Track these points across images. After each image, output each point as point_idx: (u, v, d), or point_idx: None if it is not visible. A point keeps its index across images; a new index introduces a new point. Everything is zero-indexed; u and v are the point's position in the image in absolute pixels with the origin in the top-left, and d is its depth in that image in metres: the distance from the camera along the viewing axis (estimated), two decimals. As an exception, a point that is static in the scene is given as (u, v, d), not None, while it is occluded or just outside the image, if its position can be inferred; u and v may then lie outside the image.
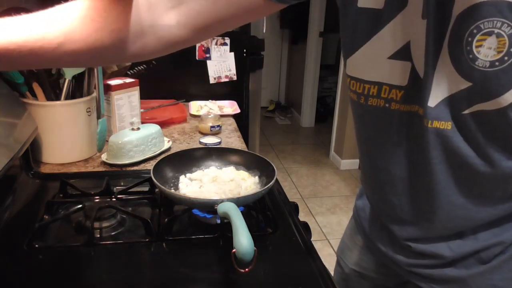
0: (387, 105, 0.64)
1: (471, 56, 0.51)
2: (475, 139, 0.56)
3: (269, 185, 0.82)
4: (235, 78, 1.72)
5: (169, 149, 1.19)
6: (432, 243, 0.69)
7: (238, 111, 1.61)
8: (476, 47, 0.50)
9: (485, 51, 0.50)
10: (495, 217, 0.64)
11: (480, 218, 0.64)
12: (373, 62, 0.63)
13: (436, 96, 0.56)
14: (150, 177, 0.85)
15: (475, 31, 0.50)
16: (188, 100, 1.65)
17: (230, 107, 1.64)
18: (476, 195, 0.62)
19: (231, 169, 0.95)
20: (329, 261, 0.98)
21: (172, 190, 0.87)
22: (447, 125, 0.57)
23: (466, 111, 0.55)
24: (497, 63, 0.49)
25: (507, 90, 0.50)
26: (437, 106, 0.56)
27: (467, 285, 0.69)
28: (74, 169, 1.07)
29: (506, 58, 0.49)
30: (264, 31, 1.74)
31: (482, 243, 0.66)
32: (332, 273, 0.70)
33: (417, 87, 0.59)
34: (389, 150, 0.67)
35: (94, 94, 1.11)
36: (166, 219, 0.79)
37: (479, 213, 0.63)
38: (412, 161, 0.64)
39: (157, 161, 0.92)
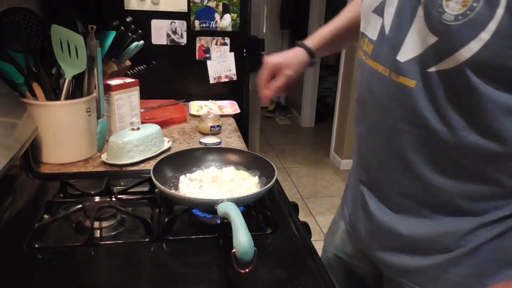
0: (364, 57, 0.69)
1: (440, 9, 0.53)
2: (436, 101, 0.57)
3: (269, 185, 0.82)
4: (235, 78, 1.72)
5: (169, 149, 1.19)
6: (393, 215, 0.71)
7: (238, 111, 1.61)
8: (446, 0, 0.52)
9: (453, 5, 0.51)
10: (454, 202, 0.64)
11: (439, 195, 0.64)
12: (365, 15, 0.69)
13: (407, 52, 0.58)
14: (150, 177, 0.85)
15: None
16: (188, 100, 1.65)
17: (230, 107, 1.64)
18: (437, 164, 0.63)
19: (231, 169, 0.95)
20: (329, 261, 0.99)
21: (172, 190, 0.87)
22: (411, 82, 0.59)
23: (431, 69, 0.56)
24: (460, 17, 0.51)
25: (463, 46, 0.51)
26: (407, 63, 0.58)
27: (427, 277, 0.70)
28: (74, 169, 1.07)
29: (468, 12, 0.50)
30: (264, 31, 1.74)
31: (439, 228, 0.67)
32: (332, 273, 0.70)
33: (382, 44, 0.63)
34: (362, 105, 0.72)
35: (94, 94, 1.11)
36: (166, 219, 0.79)
37: (438, 189, 0.64)
38: (375, 120, 0.68)
39: (157, 161, 0.92)
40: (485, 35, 0.50)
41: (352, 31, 0.88)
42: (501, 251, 0.65)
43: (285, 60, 0.89)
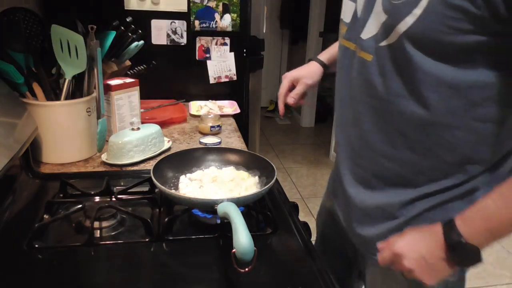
0: (341, 40, 0.79)
1: None
2: (384, 72, 0.66)
3: (269, 185, 0.82)
4: (235, 78, 1.72)
5: (169, 149, 1.19)
6: (353, 185, 0.80)
7: (238, 111, 1.61)
8: None
9: None
10: (399, 173, 0.72)
11: (386, 166, 0.72)
12: (344, 3, 0.78)
13: (368, 30, 0.68)
14: (150, 177, 0.85)
15: None
16: (188, 100, 1.65)
17: (230, 107, 1.64)
18: (385, 134, 0.71)
19: (231, 169, 0.95)
20: (329, 261, 0.99)
21: (172, 190, 0.87)
22: (369, 57, 0.68)
23: (381, 44, 0.66)
24: None
25: (401, 20, 0.61)
26: (368, 40, 0.68)
27: (375, 246, 0.75)
28: (74, 169, 1.07)
29: None
30: (264, 31, 1.74)
31: (385, 199, 0.75)
32: (331, 274, 0.71)
33: (355, 26, 0.73)
34: (338, 82, 0.81)
35: (94, 94, 1.11)
36: (166, 219, 0.79)
37: (385, 158, 0.72)
38: (344, 94, 0.78)
39: (157, 161, 0.92)
40: (417, 11, 0.59)
41: None
42: (434, 222, 0.69)
43: (302, 71, 1.03)
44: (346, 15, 0.77)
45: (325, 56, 1.04)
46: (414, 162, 0.70)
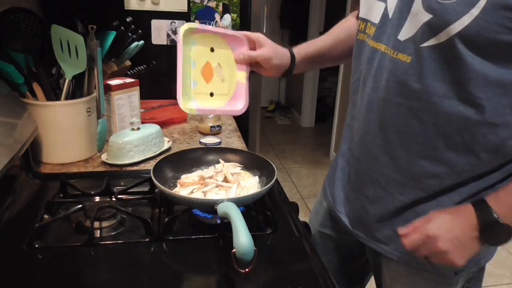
0: (366, 40, 0.77)
1: None
2: (426, 73, 0.66)
3: (269, 185, 0.82)
4: (235, 78, 1.71)
5: (169, 149, 1.19)
6: (377, 185, 0.79)
7: (238, 111, 1.60)
8: None
9: None
10: (435, 172, 0.71)
11: (428, 164, 0.71)
12: (366, 2, 0.77)
13: (406, 31, 0.67)
14: (150, 177, 0.85)
15: None
16: (188, 100, 1.65)
17: (230, 107, 1.64)
18: (426, 134, 0.70)
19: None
20: (329, 261, 0.99)
21: (172, 190, 0.87)
22: (407, 58, 0.67)
23: (424, 44, 0.64)
24: None
25: (456, 20, 0.60)
26: (406, 41, 0.67)
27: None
28: (74, 169, 1.07)
29: None
30: (264, 31, 1.74)
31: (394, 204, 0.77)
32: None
33: (385, 26, 0.71)
34: (363, 83, 0.78)
35: (94, 94, 1.11)
36: (166, 219, 0.79)
37: (425, 159, 0.71)
38: (373, 96, 0.75)
39: (157, 161, 0.92)
40: (475, 11, 0.59)
41: (338, 49, 0.99)
42: None
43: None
44: (372, 15, 0.75)
45: (298, 49, 0.97)
46: (453, 162, 0.70)
